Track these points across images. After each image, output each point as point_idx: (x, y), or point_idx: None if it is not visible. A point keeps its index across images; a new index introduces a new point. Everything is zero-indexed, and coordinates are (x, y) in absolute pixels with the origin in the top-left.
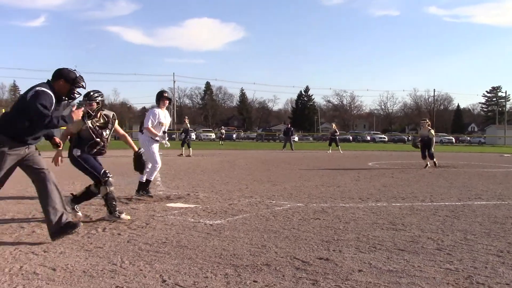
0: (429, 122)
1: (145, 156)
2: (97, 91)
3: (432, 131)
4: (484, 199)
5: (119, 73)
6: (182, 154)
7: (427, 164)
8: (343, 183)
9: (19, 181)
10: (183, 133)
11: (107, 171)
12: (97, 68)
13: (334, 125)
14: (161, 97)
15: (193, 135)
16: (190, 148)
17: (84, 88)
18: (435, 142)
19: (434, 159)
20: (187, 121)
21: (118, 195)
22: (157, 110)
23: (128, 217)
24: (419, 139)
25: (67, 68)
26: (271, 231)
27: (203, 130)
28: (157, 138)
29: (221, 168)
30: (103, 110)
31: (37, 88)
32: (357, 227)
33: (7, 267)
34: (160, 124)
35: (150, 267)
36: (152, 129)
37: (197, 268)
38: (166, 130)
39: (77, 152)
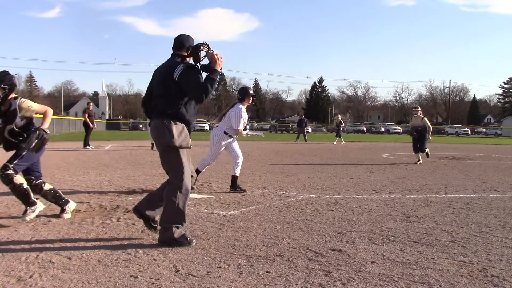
0: (422, 111)
1: (212, 151)
2: (6, 73)
3: (427, 120)
4: (499, 192)
5: (134, 63)
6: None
7: (419, 160)
8: (356, 175)
9: None
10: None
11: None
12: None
13: (339, 116)
14: (246, 94)
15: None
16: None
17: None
18: (431, 133)
19: (427, 150)
20: None
21: (132, 186)
22: (243, 108)
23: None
24: (414, 131)
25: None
26: (284, 222)
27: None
28: (244, 134)
29: None
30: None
31: (185, 66)
32: (371, 219)
33: (23, 255)
34: (244, 123)
35: (164, 257)
36: (242, 130)
37: (210, 258)
38: (247, 124)
39: None
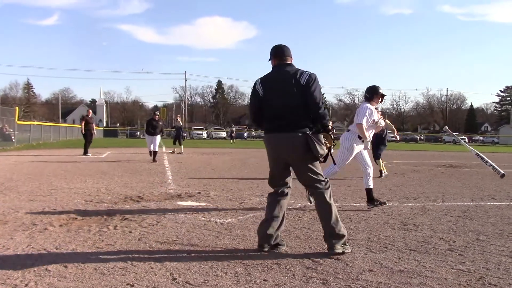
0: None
1: (343, 158)
2: None
3: (389, 122)
4: (497, 200)
5: (131, 71)
6: (174, 151)
7: (380, 171)
8: (354, 183)
9: (34, 179)
10: (175, 131)
11: None
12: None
13: (330, 123)
14: (375, 93)
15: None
16: (182, 146)
17: None
18: (391, 140)
19: (381, 163)
20: (179, 119)
21: (129, 194)
22: (370, 106)
23: None
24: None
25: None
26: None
27: (214, 129)
28: (367, 140)
29: (232, 166)
30: None
31: (310, 72)
32: (368, 227)
33: (19, 263)
34: (374, 122)
35: (160, 265)
36: (365, 128)
37: (207, 266)
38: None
39: None
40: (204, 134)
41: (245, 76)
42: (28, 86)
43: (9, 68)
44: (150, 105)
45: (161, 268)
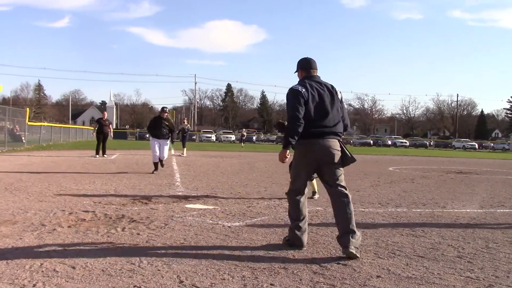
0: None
1: None
2: None
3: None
4: (507, 207)
5: (141, 74)
6: (182, 154)
7: (314, 192)
8: (362, 188)
9: (43, 180)
10: (180, 133)
11: None
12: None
13: None
14: None
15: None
16: (185, 149)
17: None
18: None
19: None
20: (186, 122)
21: (138, 195)
22: None
23: None
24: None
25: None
26: None
27: (223, 132)
28: None
29: (240, 170)
30: None
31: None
32: (376, 233)
33: (27, 263)
34: None
35: (168, 268)
36: None
37: (214, 269)
38: None
39: None
40: (213, 137)
41: (254, 80)
42: (39, 88)
43: (20, 69)
44: (159, 107)
45: (168, 270)
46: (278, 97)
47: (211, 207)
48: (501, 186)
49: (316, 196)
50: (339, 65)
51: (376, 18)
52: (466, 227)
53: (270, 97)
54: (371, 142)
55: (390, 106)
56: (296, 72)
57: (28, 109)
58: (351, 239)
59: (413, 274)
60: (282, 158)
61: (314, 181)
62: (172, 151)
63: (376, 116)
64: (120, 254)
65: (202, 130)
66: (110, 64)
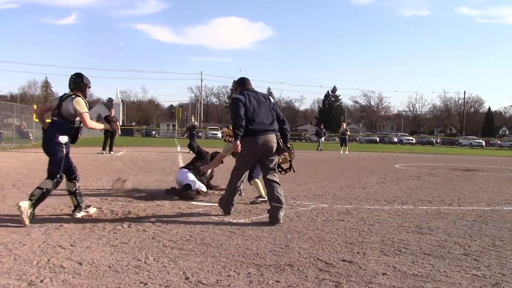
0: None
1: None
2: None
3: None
4: None
5: (148, 71)
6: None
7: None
8: (368, 185)
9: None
10: (187, 131)
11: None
12: (125, 65)
13: (344, 124)
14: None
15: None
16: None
17: None
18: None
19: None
20: (193, 119)
21: (144, 192)
22: None
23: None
24: None
25: None
26: (294, 231)
27: None
28: None
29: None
30: None
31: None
32: (382, 230)
33: (35, 259)
34: None
35: (173, 264)
36: None
37: (220, 266)
38: None
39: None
40: (219, 134)
41: (260, 77)
42: (46, 85)
43: (28, 66)
44: (166, 104)
45: (174, 267)
46: (285, 94)
47: (217, 204)
48: (508, 183)
49: (259, 200)
50: (346, 62)
51: (383, 15)
52: (473, 225)
53: (276, 94)
54: (378, 139)
55: (397, 103)
56: (235, 90)
57: (35, 106)
58: (279, 212)
59: (419, 272)
60: (235, 148)
61: (260, 186)
62: (179, 148)
63: (382, 113)
64: (126, 250)
65: (208, 127)
66: (117, 61)
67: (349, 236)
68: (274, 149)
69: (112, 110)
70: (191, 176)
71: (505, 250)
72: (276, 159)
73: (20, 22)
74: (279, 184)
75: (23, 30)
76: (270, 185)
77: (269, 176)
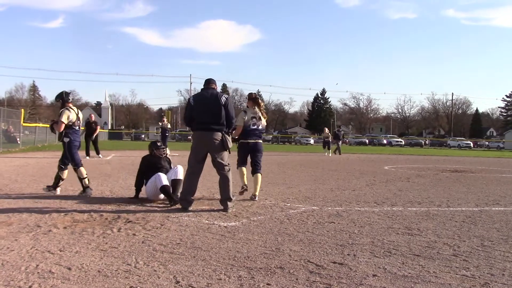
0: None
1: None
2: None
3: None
4: (502, 205)
5: (137, 74)
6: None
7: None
8: (358, 187)
9: (39, 181)
10: (161, 132)
11: None
12: (114, 69)
13: (326, 129)
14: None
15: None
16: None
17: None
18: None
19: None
20: (165, 120)
21: (133, 195)
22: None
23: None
24: None
25: None
26: (285, 234)
27: None
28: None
29: (235, 170)
30: None
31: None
32: (372, 232)
33: (23, 265)
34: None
35: (164, 268)
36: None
37: (210, 269)
38: None
39: None
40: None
41: (250, 80)
42: (33, 88)
43: (15, 70)
44: (155, 108)
45: (164, 271)
46: (274, 96)
47: (207, 207)
48: (496, 184)
49: (245, 192)
50: (334, 64)
51: (370, 17)
52: (462, 226)
53: (266, 97)
54: (367, 141)
55: (386, 105)
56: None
57: (23, 110)
58: (228, 203)
59: (409, 273)
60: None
61: (245, 178)
62: (168, 151)
63: (371, 115)
64: (116, 255)
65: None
66: (105, 65)
67: (340, 238)
68: (218, 145)
69: (92, 115)
70: (164, 178)
71: (494, 250)
72: (223, 154)
73: (6, 26)
74: (228, 179)
75: (9, 33)
76: (220, 180)
77: (218, 172)
